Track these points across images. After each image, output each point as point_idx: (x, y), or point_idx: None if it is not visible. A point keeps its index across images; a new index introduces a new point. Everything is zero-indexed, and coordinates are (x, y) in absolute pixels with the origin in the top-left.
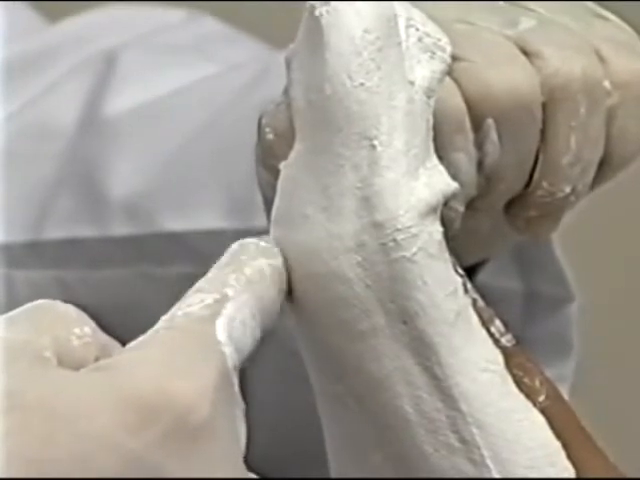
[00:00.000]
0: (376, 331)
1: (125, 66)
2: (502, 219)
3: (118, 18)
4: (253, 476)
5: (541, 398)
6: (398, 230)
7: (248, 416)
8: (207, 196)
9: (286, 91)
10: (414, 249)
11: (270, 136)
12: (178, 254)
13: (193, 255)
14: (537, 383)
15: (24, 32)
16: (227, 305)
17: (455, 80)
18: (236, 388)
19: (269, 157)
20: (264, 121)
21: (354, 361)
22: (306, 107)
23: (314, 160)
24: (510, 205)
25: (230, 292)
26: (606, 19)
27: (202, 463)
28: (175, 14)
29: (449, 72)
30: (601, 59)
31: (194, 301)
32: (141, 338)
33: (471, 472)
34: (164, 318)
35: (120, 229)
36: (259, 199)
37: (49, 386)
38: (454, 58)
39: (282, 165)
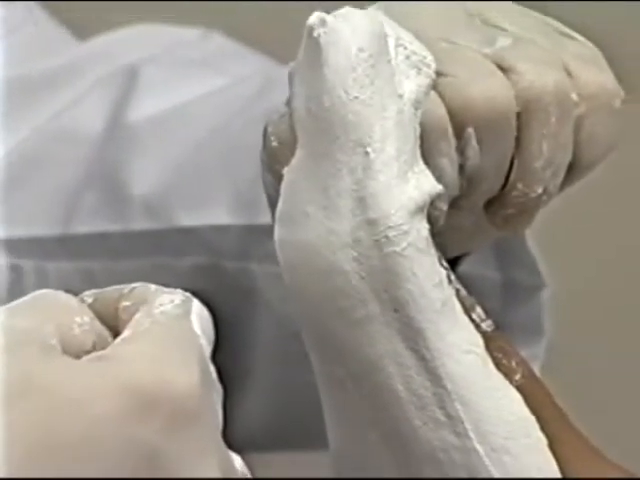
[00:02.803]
0: (371, 318)
1: (146, 79)
2: (482, 216)
3: (140, 36)
4: (232, 453)
5: (517, 377)
6: (390, 227)
7: (249, 394)
8: (217, 195)
9: (289, 103)
10: (404, 244)
11: (274, 143)
12: (191, 247)
13: (204, 248)
14: (514, 364)
15: (56, 48)
16: (194, 303)
17: (439, 93)
18: (213, 374)
19: (273, 162)
20: (269, 130)
21: (351, 345)
22: (307, 117)
23: (314, 165)
24: (489, 204)
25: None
26: (573, 38)
27: (195, 444)
28: (190, 33)
29: (434, 86)
30: (569, 74)
31: (165, 300)
32: (130, 331)
33: (455, 443)
34: (140, 314)
35: (140, 224)
36: (263, 199)
37: (56, 373)
38: (438, 73)
39: (285, 170)
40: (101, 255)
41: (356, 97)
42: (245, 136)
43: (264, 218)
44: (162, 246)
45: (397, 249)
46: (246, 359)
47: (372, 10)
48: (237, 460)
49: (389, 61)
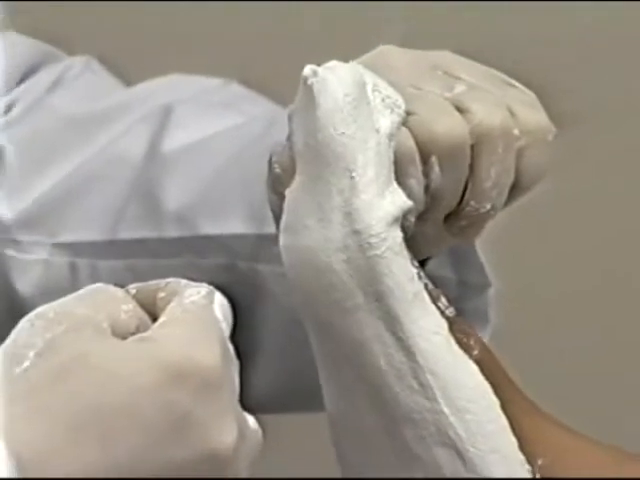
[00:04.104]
0: (358, 307)
1: (178, 116)
2: (442, 227)
3: (173, 83)
4: (246, 413)
5: (475, 352)
6: (372, 235)
7: (268, 363)
8: (234, 210)
9: (289, 137)
10: (383, 248)
11: (278, 170)
12: (212, 250)
13: (223, 251)
14: (472, 342)
15: (109, 92)
16: (216, 294)
17: (409, 128)
18: (232, 351)
19: (277, 185)
20: (273, 159)
21: (343, 329)
22: (304, 149)
23: (311, 186)
24: (447, 217)
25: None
26: (515, 86)
27: (217, 407)
28: (214, 81)
29: (404, 122)
30: (512, 114)
31: (193, 292)
32: (165, 317)
33: (427, 406)
34: (174, 304)
35: (172, 232)
36: (270, 213)
37: (107, 351)
38: (408, 112)
39: (287, 191)
40: (141, 256)
41: (343, 133)
42: (256, 164)
43: (271, 229)
44: (189, 249)
45: (378, 252)
46: (256, 340)
47: (354, 63)
48: (251, 419)
49: (368, 103)
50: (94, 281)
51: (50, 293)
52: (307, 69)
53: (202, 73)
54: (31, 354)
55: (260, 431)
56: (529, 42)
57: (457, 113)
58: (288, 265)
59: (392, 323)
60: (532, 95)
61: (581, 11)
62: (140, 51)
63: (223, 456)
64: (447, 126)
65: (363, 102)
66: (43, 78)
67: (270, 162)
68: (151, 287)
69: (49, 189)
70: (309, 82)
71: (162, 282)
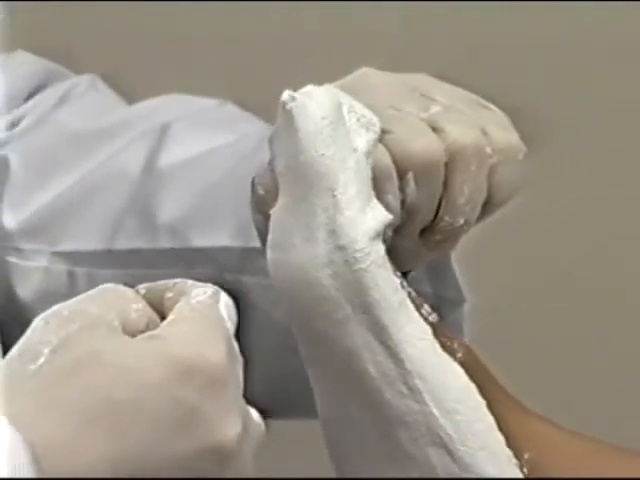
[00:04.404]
0: (347, 319)
1: (175, 134)
2: (418, 242)
3: (172, 102)
4: (250, 408)
5: (459, 355)
6: (356, 250)
7: (254, 370)
8: (223, 223)
9: (270, 161)
10: (368, 262)
11: (261, 192)
12: (201, 261)
13: (211, 263)
14: (456, 345)
15: (112, 109)
16: (221, 294)
17: (387, 147)
18: (236, 349)
19: (261, 206)
20: (256, 181)
21: (334, 340)
22: (286, 171)
23: (295, 206)
24: (423, 232)
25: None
26: (488, 107)
27: (223, 402)
28: (210, 101)
29: (381, 140)
30: (485, 133)
31: (199, 292)
32: (173, 316)
33: (417, 409)
34: (181, 303)
35: (165, 244)
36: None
37: (118, 348)
38: (386, 132)
39: (272, 211)
40: (136, 266)
41: (323, 154)
42: (247, 180)
43: (256, 242)
44: (181, 260)
45: (363, 266)
46: (240, 348)
47: (329, 86)
48: (254, 413)
49: (344, 124)
50: (91, 288)
51: (49, 299)
52: (285, 95)
53: (200, 92)
54: (46, 351)
55: (263, 424)
56: (523, 46)
57: (432, 133)
58: (277, 281)
59: (380, 332)
60: (504, 116)
61: (550, 39)
62: (141, 68)
63: (228, 448)
64: (423, 145)
65: (340, 123)
66: (50, 95)
67: (253, 184)
68: (159, 287)
69: (51, 200)
70: (288, 107)
71: (170, 282)
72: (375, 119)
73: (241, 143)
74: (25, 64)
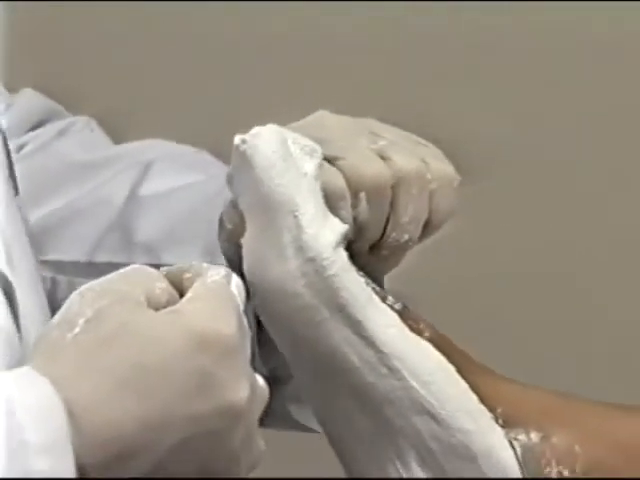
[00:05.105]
0: (325, 320)
1: (156, 170)
2: (367, 257)
3: (155, 144)
4: (257, 374)
5: (426, 334)
6: (323, 259)
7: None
8: (192, 245)
9: (233, 199)
10: (335, 268)
11: (230, 226)
12: None
13: None
14: (421, 326)
15: (102, 146)
16: (233, 275)
17: (341, 171)
18: (245, 323)
19: (232, 237)
20: (224, 218)
21: (317, 341)
22: (250, 204)
23: (263, 232)
24: (372, 246)
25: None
26: (426, 145)
27: (234, 369)
28: (189, 148)
29: (335, 165)
30: (425, 163)
31: (214, 273)
32: (191, 294)
33: (398, 385)
34: (198, 282)
35: (140, 259)
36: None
37: (145, 321)
38: (340, 159)
39: (242, 240)
40: None
41: (279, 183)
42: (212, 213)
43: (221, 261)
44: None
45: (331, 272)
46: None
47: (271, 125)
48: (260, 379)
49: (291, 154)
50: (69, 295)
51: None
52: (237, 139)
53: (180, 141)
54: (81, 321)
55: (267, 388)
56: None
57: (381, 160)
58: (258, 299)
59: (355, 326)
60: (440, 152)
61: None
62: (131, 110)
63: (239, 408)
64: (373, 169)
65: (288, 154)
66: (51, 128)
67: (221, 220)
68: (179, 269)
69: (43, 217)
70: (241, 149)
71: (187, 265)
72: (316, 146)
73: (210, 182)
74: (31, 100)
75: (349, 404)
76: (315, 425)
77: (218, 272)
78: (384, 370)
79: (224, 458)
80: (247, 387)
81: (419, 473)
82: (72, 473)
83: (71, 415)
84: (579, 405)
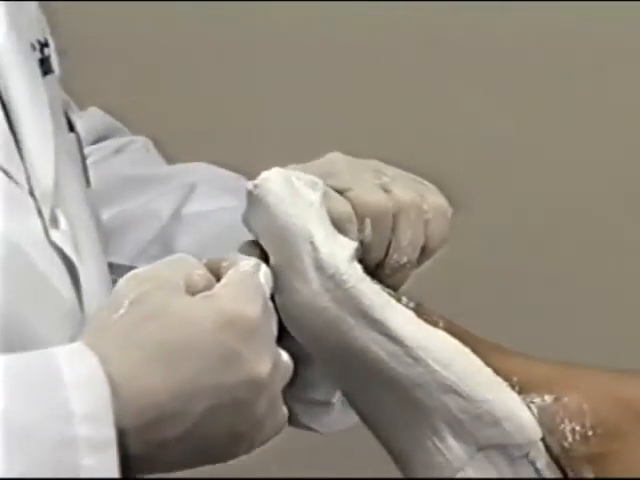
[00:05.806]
0: (352, 327)
1: (198, 193)
2: (371, 275)
3: (202, 168)
4: (281, 350)
5: (441, 324)
6: (342, 274)
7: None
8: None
9: (247, 241)
10: (353, 280)
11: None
12: None
13: None
14: (435, 318)
15: (155, 164)
16: (262, 265)
17: (348, 199)
18: (271, 307)
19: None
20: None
21: (348, 346)
22: (269, 238)
23: (285, 260)
24: (376, 267)
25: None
26: (423, 182)
27: (257, 347)
28: (229, 173)
29: (344, 195)
30: (422, 196)
31: (245, 262)
32: (225, 280)
33: (423, 371)
34: (232, 270)
35: None
36: None
37: (181, 304)
38: (348, 190)
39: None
40: None
41: (292, 215)
42: (241, 234)
43: None
44: None
45: (350, 285)
46: None
47: (276, 168)
48: (284, 354)
49: (297, 189)
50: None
51: None
52: (249, 185)
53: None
54: (126, 302)
55: (291, 363)
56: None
57: (383, 192)
58: (290, 317)
59: (379, 327)
60: (435, 187)
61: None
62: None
63: (260, 381)
64: (376, 199)
65: (294, 190)
66: (111, 144)
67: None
68: (217, 259)
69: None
70: (255, 193)
71: (224, 256)
72: (317, 179)
73: (242, 207)
74: (96, 117)
75: (384, 395)
76: (318, 426)
77: (249, 262)
78: (410, 360)
79: (250, 423)
80: (269, 362)
81: (454, 444)
82: (113, 436)
83: (113, 385)
84: (585, 371)
